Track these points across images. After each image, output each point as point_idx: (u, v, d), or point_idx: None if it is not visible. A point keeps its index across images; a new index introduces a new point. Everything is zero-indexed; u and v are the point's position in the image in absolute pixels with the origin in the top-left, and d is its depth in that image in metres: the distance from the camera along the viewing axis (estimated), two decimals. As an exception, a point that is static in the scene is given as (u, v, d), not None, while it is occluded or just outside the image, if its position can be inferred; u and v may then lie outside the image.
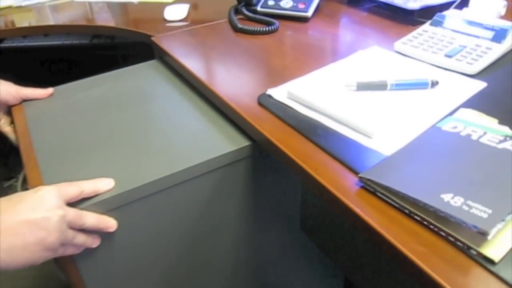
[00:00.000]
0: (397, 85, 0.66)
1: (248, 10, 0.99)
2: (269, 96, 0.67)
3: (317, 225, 0.63)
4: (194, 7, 1.10)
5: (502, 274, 0.38)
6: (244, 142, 0.66)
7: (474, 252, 0.40)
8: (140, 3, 1.20)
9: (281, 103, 0.66)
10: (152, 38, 0.92)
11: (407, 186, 0.46)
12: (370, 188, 0.49)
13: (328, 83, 0.69)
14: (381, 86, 0.66)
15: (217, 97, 0.71)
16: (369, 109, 0.62)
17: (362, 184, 0.50)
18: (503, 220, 0.41)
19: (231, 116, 0.69)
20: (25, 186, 0.77)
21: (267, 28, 0.91)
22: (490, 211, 0.41)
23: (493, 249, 0.40)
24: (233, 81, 0.74)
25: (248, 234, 0.74)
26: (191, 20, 1.03)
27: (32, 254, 0.49)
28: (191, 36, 0.93)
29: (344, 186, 0.50)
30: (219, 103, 0.71)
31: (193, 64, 0.80)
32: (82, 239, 0.55)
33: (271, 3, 1.00)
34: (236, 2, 1.03)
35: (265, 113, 0.65)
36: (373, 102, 0.64)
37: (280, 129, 0.61)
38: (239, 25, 0.93)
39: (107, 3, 1.24)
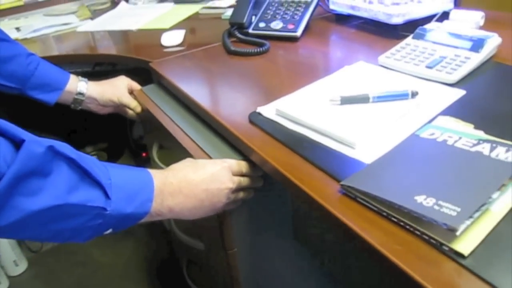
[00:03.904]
0: (378, 97, 0.70)
1: (240, 33, 1.04)
2: (259, 114, 0.71)
3: (310, 233, 0.66)
4: (190, 32, 1.15)
5: (472, 266, 0.41)
6: (236, 159, 0.70)
7: (446, 248, 0.43)
8: (139, 30, 1.25)
9: (270, 120, 0.69)
10: (150, 64, 0.97)
11: (384, 190, 0.49)
12: (351, 194, 0.52)
13: (314, 99, 0.73)
14: (363, 99, 0.70)
15: (210, 117, 0.75)
16: (352, 121, 0.65)
17: (344, 191, 0.53)
18: (471, 217, 0.44)
19: (225, 134, 0.73)
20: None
21: (258, 49, 0.96)
22: (459, 209, 0.44)
23: (463, 244, 0.43)
24: (226, 101, 0.78)
25: (243, 247, 0.77)
26: (187, 45, 1.08)
27: (205, 213, 0.65)
28: (187, 60, 0.98)
29: (327, 194, 0.53)
30: (213, 122, 0.75)
31: (188, 86, 0.84)
32: (240, 196, 0.69)
33: (262, 25, 1.04)
34: (229, 26, 1.08)
35: (255, 130, 0.69)
36: (356, 114, 0.67)
37: (269, 144, 0.64)
38: (232, 48, 0.97)
39: (108, 32, 1.30)
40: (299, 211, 0.66)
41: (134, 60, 1.06)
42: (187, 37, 1.12)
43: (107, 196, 0.53)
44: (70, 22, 1.41)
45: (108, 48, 1.20)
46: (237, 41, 1.04)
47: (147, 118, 0.93)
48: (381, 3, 0.97)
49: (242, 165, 0.68)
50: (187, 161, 0.67)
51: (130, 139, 1.58)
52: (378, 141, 0.61)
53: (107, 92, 0.96)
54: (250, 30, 1.04)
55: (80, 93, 0.93)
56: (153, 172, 0.61)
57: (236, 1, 1.33)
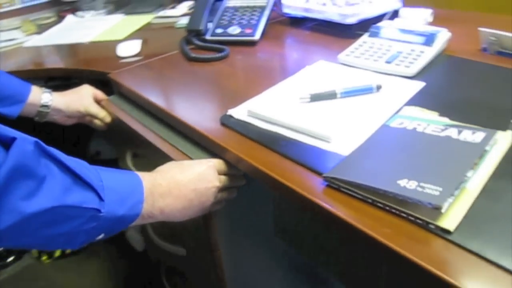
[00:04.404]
0: (345, 92, 0.72)
1: (198, 40, 1.04)
2: (230, 116, 0.72)
3: (291, 229, 0.67)
4: (146, 42, 1.14)
5: (458, 240, 0.44)
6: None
7: (433, 226, 0.46)
8: (91, 43, 1.23)
9: (243, 121, 0.70)
10: (110, 75, 0.95)
11: (367, 178, 0.51)
12: (334, 185, 0.53)
13: (283, 99, 0.74)
14: (331, 95, 0.72)
15: (181, 123, 0.74)
16: (324, 117, 0.67)
17: (327, 183, 0.54)
18: (452, 195, 0.47)
19: (197, 139, 0.73)
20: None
21: (218, 55, 0.96)
22: (440, 189, 0.46)
23: (448, 221, 0.45)
24: (194, 107, 0.78)
25: (227, 247, 0.77)
26: (144, 54, 1.07)
27: (194, 213, 0.65)
28: (147, 69, 0.97)
29: (311, 187, 0.54)
30: (184, 128, 0.75)
31: (154, 95, 0.84)
32: (225, 196, 0.69)
33: (219, 31, 1.05)
34: (185, 34, 1.08)
35: (228, 132, 0.69)
36: (327, 110, 0.69)
37: (245, 145, 0.65)
38: (192, 54, 0.97)
39: (58, 45, 1.25)
40: (279, 208, 0.67)
41: (90, 72, 1.03)
42: (143, 47, 1.11)
43: (100, 198, 0.52)
44: (15, 38, 1.35)
45: (60, 62, 1.17)
46: (196, 48, 1.04)
47: (116, 128, 0.91)
48: (334, 5, 1.01)
49: (226, 164, 0.69)
50: (173, 163, 0.67)
51: (87, 156, 1.54)
52: (351, 133, 0.63)
53: (74, 103, 0.93)
54: (208, 37, 1.05)
55: (44, 105, 0.90)
56: (141, 174, 0.60)
57: (192, 9, 1.34)
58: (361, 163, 0.55)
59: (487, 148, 0.54)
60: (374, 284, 0.55)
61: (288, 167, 0.59)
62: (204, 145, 0.71)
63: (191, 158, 0.70)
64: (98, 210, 0.51)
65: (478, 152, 0.53)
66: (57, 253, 1.38)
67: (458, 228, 0.45)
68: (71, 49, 1.23)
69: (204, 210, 0.66)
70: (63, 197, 0.48)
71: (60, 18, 1.53)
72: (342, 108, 0.70)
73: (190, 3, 1.42)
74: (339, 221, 0.50)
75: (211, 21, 1.08)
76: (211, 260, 0.74)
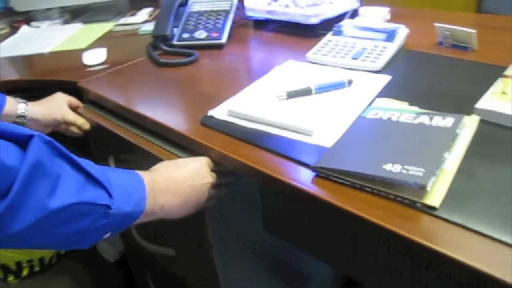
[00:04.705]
0: (319, 88, 0.76)
1: (165, 45, 1.05)
2: (211, 117, 0.74)
3: (281, 221, 0.70)
4: (111, 50, 1.13)
5: (444, 215, 0.48)
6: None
7: (419, 205, 0.50)
8: (52, 53, 1.21)
9: (224, 121, 0.72)
10: (79, 84, 0.95)
11: (354, 165, 0.55)
12: (323, 174, 0.57)
13: (261, 97, 0.77)
14: (307, 92, 0.76)
15: (163, 127, 0.75)
16: (303, 112, 0.71)
17: (316, 173, 0.58)
18: (434, 175, 0.51)
19: (180, 141, 0.74)
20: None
21: (188, 59, 0.98)
22: (423, 170, 0.51)
23: (433, 199, 0.50)
24: (172, 110, 0.80)
25: (219, 242, 0.79)
26: (111, 62, 1.06)
27: (190, 209, 0.67)
28: (118, 76, 0.97)
29: (301, 178, 0.57)
30: (166, 132, 0.76)
31: (129, 101, 0.84)
32: (217, 192, 0.71)
33: (185, 35, 1.07)
34: (150, 40, 1.09)
35: (210, 132, 0.71)
36: (304, 106, 0.73)
37: (229, 143, 0.67)
38: (162, 60, 0.98)
39: (15, 57, 1.22)
40: (267, 202, 0.69)
41: (57, 82, 1.02)
42: (109, 54, 1.10)
43: (110, 195, 0.53)
44: (-33, 52, 1.31)
45: (23, 73, 1.15)
46: (164, 53, 1.05)
47: (96, 134, 0.91)
48: (297, 6, 1.05)
49: (215, 162, 0.70)
50: (167, 162, 0.68)
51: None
52: (331, 126, 0.66)
53: (50, 112, 0.92)
54: (175, 42, 1.06)
55: (21, 116, 0.88)
56: (140, 172, 0.61)
57: (152, 15, 1.35)
58: (345, 152, 0.59)
59: (457, 131, 0.59)
60: (368, 265, 0.59)
61: (275, 161, 0.62)
62: (188, 147, 0.73)
63: (181, 157, 0.72)
64: (109, 207, 0.52)
65: (451, 135, 0.58)
66: (25, 272, 1.34)
67: (442, 204, 0.49)
68: (32, 60, 1.21)
69: (199, 206, 0.68)
70: (79, 194, 0.49)
71: (14, 29, 1.49)
72: (318, 103, 0.73)
73: (150, 9, 1.42)
74: (332, 208, 0.53)
75: (176, 27, 1.10)
76: (205, 255, 0.76)
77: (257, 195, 0.71)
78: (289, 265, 1.03)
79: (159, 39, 1.06)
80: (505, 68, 0.76)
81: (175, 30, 1.09)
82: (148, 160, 0.72)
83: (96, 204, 0.51)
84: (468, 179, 0.53)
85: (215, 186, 0.70)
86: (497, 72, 0.75)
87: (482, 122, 0.64)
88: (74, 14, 1.57)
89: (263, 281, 0.97)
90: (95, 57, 1.07)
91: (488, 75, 0.76)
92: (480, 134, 0.61)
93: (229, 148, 0.66)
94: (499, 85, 0.71)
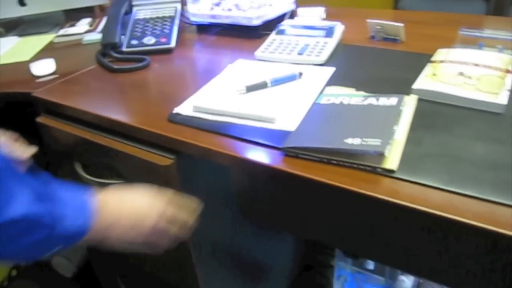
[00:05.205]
0: (274, 81, 0.83)
1: (116, 52, 1.08)
2: (177, 114, 0.78)
3: (256, 207, 0.76)
4: (58, 60, 1.14)
5: (401, 176, 0.57)
6: (168, 158, 0.75)
7: (380, 169, 0.58)
8: (-7, 67, 1.19)
9: (190, 116, 0.77)
10: (34, 94, 0.95)
11: (319, 142, 0.62)
12: (292, 154, 0.64)
13: (221, 93, 0.83)
14: (263, 85, 0.82)
15: (130, 127, 0.78)
16: (263, 103, 0.77)
17: (285, 153, 0.64)
18: (389, 144, 0.59)
19: (150, 139, 0.77)
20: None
21: (141, 64, 1.01)
22: (380, 140, 0.59)
23: (390, 163, 0.58)
24: (137, 111, 0.83)
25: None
26: (61, 72, 1.07)
27: (135, 236, 0.66)
28: (74, 84, 0.98)
29: (273, 159, 0.64)
30: (134, 132, 0.79)
31: (91, 106, 0.86)
32: (173, 230, 0.70)
33: (134, 42, 1.10)
34: (98, 49, 1.11)
35: (180, 127, 0.75)
36: (263, 98, 0.80)
37: (199, 135, 0.72)
38: (115, 66, 1.01)
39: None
40: (241, 186, 0.75)
41: (8, 94, 1.01)
42: (58, 64, 1.11)
43: (58, 208, 0.55)
44: None
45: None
46: (115, 60, 1.07)
47: (57, 143, 0.92)
48: (239, 9, 1.12)
49: (174, 197, 0.71)
50: (119, 187, 0.70)
51: None
52: (290, 113, 0.73)
53: None
54: (125, 49, 1.09)
55: None
56: (90, 190, 0.63)
57: (92, 25, 1.36)
58: (309, 133, 0.66)
59: (401, 108, 0.68)
60: (341, 231, 0.67)
61: (246, 147, 0.68)
62: (160, 143, 0.76)
63: (153, 153, 0.75)
64: (58, 219, 0.55)
65: (397, 112, 0.67)
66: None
67: (398, 168, 0.58)
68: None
69: (145, 236, 0.67)
70: (32, 206, 0.51)
71: None
72: (275, 95, 0.80)
73: (89, 20, 1.43)
74: (305, 182, 0.60)
75: (123, 34, 1.13)
76: (179, 250, 0.80)
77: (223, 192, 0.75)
78: (248, 259, 1.09)
79: (109, 47, 1.09)
80: (431, 55, 0.88)
81: (122, 37, 1.12)
82: (119, 161, 0.75)
83: (45, 217, 0.53)
84: (416, 146, 0.62)
85: (172, 222, 0.70)
86: (425, 59, 0.86)
87: (419, 100, 0.74)
88: (7, 28, 1.53)
89: (227, 276, 1.02)
90: (44, 67, 1.07)
91: (417, 62, 0.86)
92: (419, 109, 0.71)
93: (200, 139, 0.71)
94: (429, 69, 0.82)
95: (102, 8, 1.61)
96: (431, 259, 0.61)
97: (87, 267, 1.51)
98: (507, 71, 0.78)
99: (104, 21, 1.36)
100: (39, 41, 1.33)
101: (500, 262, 0.55)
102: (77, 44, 1.28)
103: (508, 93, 0.72)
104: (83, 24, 1.39)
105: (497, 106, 0.70)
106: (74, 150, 0.91)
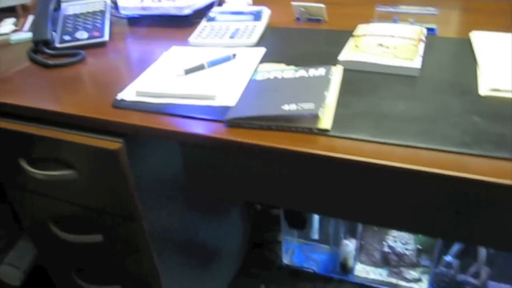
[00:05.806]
0: (211, 63, 0.88)
1: (49, 49, 1.08)
2: (121, 100, 0.81)
3: (204, 178, 0.80)
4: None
5: (335, 134, 0.64)
6: (117, 143, 0.78)
7: (316, 130, 0.65)
8: None
9: (134, 101, 0.80)
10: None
11: (258, 111, 0.68)
12: (235, 124, 0.69)
13: (161, 77, 0.86)
14: (201, 67, 0.87)
15: (75, 117, 0.80)
16: (202, 83, 0.82)
17: (228, 125, 0.69)
18: (322, 107, 0.66)
19: (96, 127, 0.79)
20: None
21: (76, 58, 1.02)
22: (313, 104, 0.66)
23: (324, 123, 0.65)
24: (79, 102, 0.84)
25: (149, 211, 0.86)
26: (-9, 73, 1.06)
27: None
28: (8, 82, 0.97)
29: (218, 132, 0.69)
30: (79, 121, 0.80)
31: (32, 101, 0.86)
32: None
33: (67, 38, 1.10)
34: (29, 47, 1.10)
35: (125, 112, 0.78)
36: (201, 78, 0.84)
37: (145, 118, 0.75)
38: (50, 62, 1.01)
39: None
40: (189, 162, 0.79)
41: None
42: (-14, 66, 1.09)
43: None
44: None
45: None
46: (48, 57, 1.07)
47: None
48: (169, 0, 1.15)
49: None
50: None
51: None
52: (229, 90, 0.79)
53: None
54: (58, 45, 1.09)
55: None
56: None
57: (17, 24, 1.33)
58: (249, 104, 0.72)
59: (330, 77, 0.76)
60: (287, 190, 0.73)
61: (191, 123, 0.72)
62: (106, 129, 0.79)
63: (101, 139, 0.78)
64: None
65: (326, 80, 0.74)
66: None
67: (332, 127, 0.65)
68: None
69: None
70: None
71: None
72: (212, 75, 0.85)
73: (13, 20, 1.40)
74: (249, 148, 0.65)
75: (54, 31, 1.12)
76: (138, 228, 0.83)
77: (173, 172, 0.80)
78: (200, 241, 1.13)
79: (40, 44, 1.08)
80: (352, 31, 0.96)
81: (54, 34, 1.12)
82: (68, 152, 0.76)
83: None
84: (345, 108, 0.69)
85: None
86: (347, 35, 0.95)
87: (345, 70, 0.81)
88: None
89: (183, 259, 1.06)
90: (-29, 70, 1.05)
91: (341, 38, 0.95)
92: (346, 78, 0.79)
93: (147, 121, 0.74)
94: (351, 42, 0.90)
95: (24, 7, 1.57)
96: (364, 202, 0.69)
97: (36, 272, 1.48)
98: (420, 40, 0.88)
99: (30, 19, 1.34)
100: (-38, 44, 1.29)
101: (423, 196, 0.64)
102: (5, 45, 1.26)
103: (421, 58, 0.82)
104: (8, 24, 1.36)
105: (413, 70, 0.79)
106: (17, 147, 0.91)
